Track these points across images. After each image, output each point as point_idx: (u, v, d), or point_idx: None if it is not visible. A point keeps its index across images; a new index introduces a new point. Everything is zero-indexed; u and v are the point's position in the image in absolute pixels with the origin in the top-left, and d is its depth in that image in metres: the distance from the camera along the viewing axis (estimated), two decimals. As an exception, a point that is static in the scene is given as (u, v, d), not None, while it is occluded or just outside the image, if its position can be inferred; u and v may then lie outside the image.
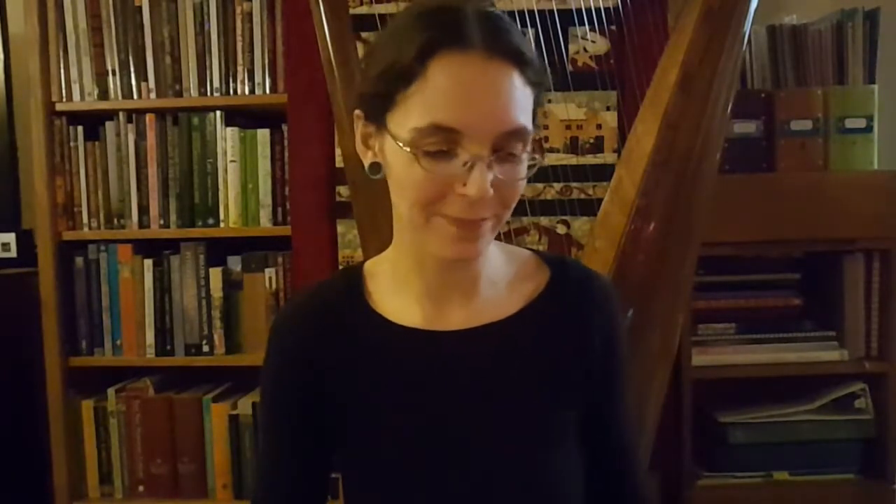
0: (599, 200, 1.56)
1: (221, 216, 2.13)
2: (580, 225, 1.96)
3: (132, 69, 2.13)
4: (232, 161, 2.12)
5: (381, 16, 1.71)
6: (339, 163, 1.97)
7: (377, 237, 1.46)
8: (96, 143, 2.16)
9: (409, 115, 0.83)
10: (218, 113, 2.12)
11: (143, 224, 2.15)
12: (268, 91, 2.10)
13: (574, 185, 1.96)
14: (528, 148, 0.86)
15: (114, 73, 2.13)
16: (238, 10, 2.10)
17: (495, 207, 0.86)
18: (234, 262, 2.17)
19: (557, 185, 1.95)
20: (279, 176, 2.12)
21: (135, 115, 2.14)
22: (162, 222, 2.15)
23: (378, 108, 0.86)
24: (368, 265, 1.01)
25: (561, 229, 1.97)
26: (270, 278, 2.14)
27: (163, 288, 2.15)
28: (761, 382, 2.01)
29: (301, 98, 1.99)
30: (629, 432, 1.04)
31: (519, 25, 0.92)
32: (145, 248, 2.17)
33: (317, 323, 0.96)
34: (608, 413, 1.00)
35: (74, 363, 2.17)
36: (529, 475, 0.92)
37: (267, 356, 0.99)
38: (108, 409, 2.18)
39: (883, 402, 1.99)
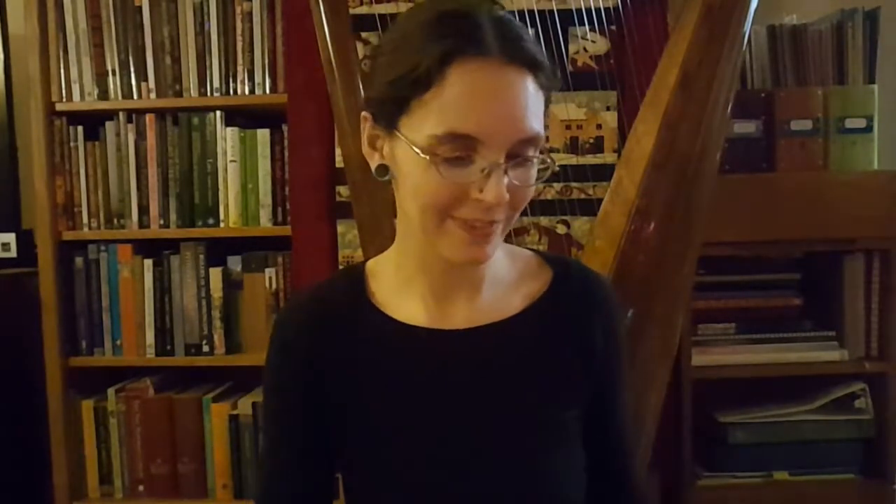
0: (599, 200, 1.56)
1: (221, 216, 2.13)
2: (580, 225, 1.96)
3: (132, 69, 2.13)
4: (232, 161, 2.12)
5: (381, 16, 1.70)
6: (339, 163, 1.97)
7: (378, 237, 1.46)
8: (96, 143, 2.16)
9: (425, 121, 0.83)
10: (218, 113, 2.12)
11: (143, 224, 2.15)
12: (268, 91, 2.10)
13: (574, 185, 1.96)
14: (538, 151, 0.86)
15: (114, 73, 2.13)
16: (238, 10, 2.10)
17: (506, 211, 0.86)
18: (234, 262, 2.17)
19: (557, 185, 1.95)
20: (279, 176, 2.12)
21: (135, 115, 2.13)
22: (162, 222, 2.15)
23: (390, 112, 0.86)
24: (370, 264, 1.01)
25: (561, 229, 1.97)
26: (270, 278, 2.14)
27: (163, 288, 2.15)
28: (761, 382, 2.00)
29: (301, 98, 1.99)
30: (628, 432, 1.04)
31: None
32: (145, 248, 2.17)
33: (319, 321, 0.96)
34: (607, 413, 1.00)
35: (74, 363, 2.17)
36: (531, 474, 0.92)
37: (269, 355, 0.99)
38: (108, 410, 2.18)
39: (883, 402, 1.99)
